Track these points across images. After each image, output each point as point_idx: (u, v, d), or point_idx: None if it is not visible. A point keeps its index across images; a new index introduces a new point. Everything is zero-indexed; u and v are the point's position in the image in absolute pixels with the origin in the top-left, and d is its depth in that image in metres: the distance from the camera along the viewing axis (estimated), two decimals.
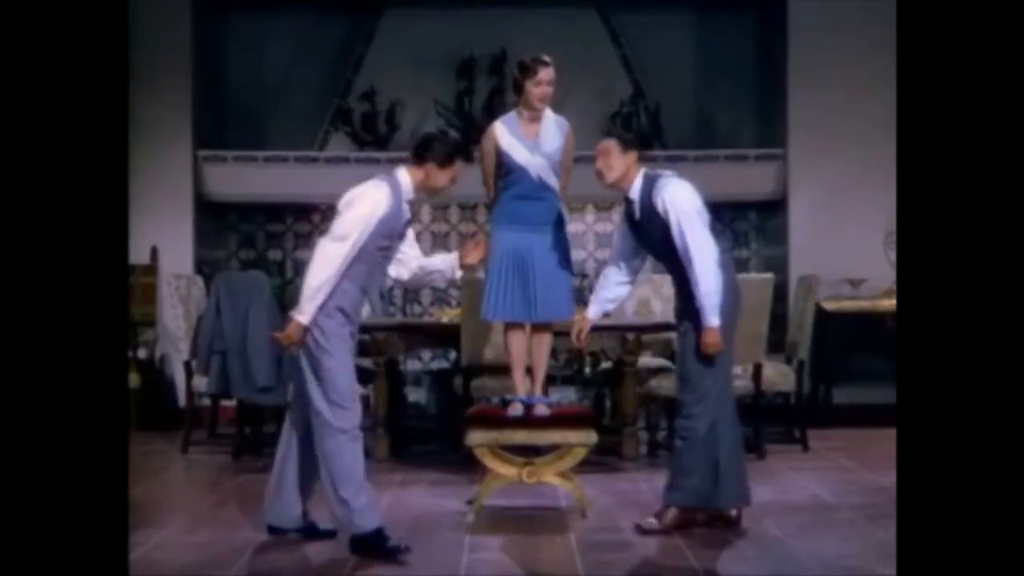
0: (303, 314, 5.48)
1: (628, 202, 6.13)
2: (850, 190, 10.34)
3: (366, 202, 5.59)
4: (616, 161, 6.04)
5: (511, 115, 6.53)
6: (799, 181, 10.54)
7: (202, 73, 10.78)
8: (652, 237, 6.07)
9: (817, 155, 10.48)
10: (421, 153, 5.76)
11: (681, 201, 5.96)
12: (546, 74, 6.35)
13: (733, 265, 6.49)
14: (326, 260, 5.49)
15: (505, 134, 6.43)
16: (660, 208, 5.97)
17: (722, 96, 11.42)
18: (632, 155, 6.07)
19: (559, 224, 6.51)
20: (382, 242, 5.65)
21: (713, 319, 5.88)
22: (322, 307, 5.49)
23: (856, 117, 10.30)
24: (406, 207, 5.76)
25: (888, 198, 9.90)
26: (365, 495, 5.58)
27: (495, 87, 10.81)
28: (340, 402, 5.57)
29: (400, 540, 5.60)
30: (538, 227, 6.40)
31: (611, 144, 6.09)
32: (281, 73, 11.43)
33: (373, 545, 5.53)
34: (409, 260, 5.99)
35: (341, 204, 5.64)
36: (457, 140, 6.18)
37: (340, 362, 5.58)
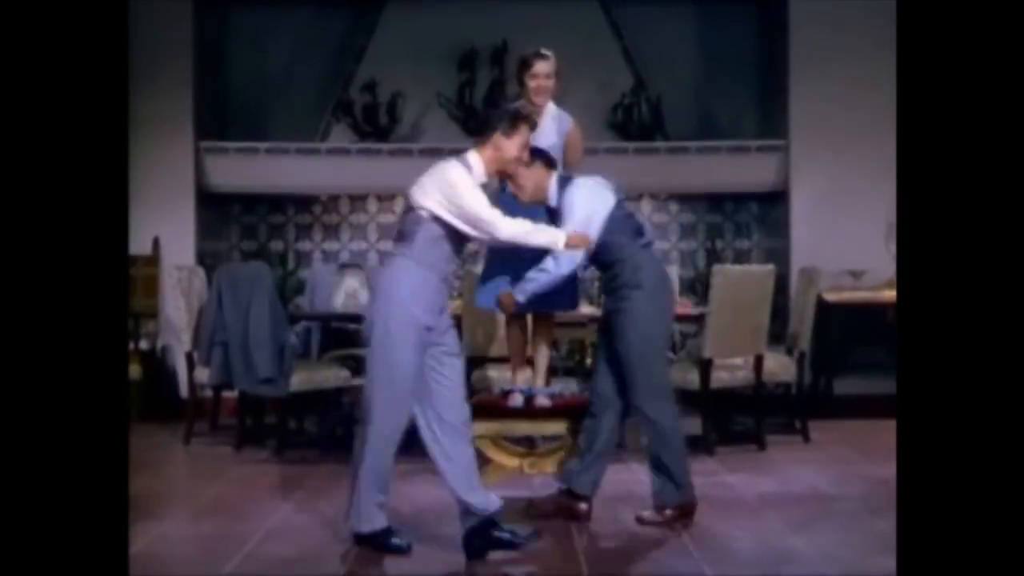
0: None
1: (550, 212, 6.09)
2: (851, 182, 10.34)
3: (469, 184, 5.47)
4: (524, 180, 6.00)
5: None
6: (800, 173, 10.53)
7: (203, 64, 10.78)
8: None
9: (818, 147, 10.47)
10: (484, 129, 5.60)
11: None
12: (542, 67, 6.33)
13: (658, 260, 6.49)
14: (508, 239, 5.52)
15: None
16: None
17: (723, 88, 11.41)
18: (538, 167, 6.01)
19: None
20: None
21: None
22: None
23: (857, 108, 10.29)
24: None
25: (889, 190, 9.87)
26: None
27: (496, 79, 10.80)
28: None
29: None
30: (536, 220, 6.38)
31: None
32: (282, 65, 11.43)
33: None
34: None
35: (430, 191, 5.46)
36: (517, 106, 5.98)
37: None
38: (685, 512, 6.06)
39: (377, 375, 5.48)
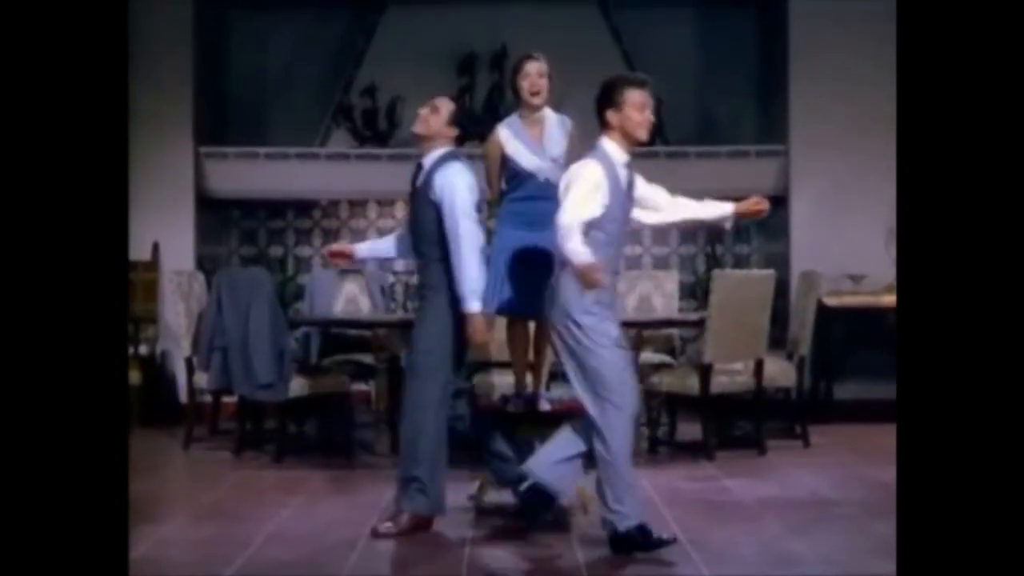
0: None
1: (418, 167, 6.07)
2: (851, 186, 10.33)
3: (586, 178, 5.46)
4: (435, 120, 6.02)
5: (513, 117, 6.50)
6: (800, 177, 10.53)
7: (203, 69, 10.78)
8: (419, 213, 6.00)
9: (818, 151, 10.47)
10: (598, 110, 5.59)
11: (460, 189, 5.86)
12: (533, 67, 6.34)
13: None
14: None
15: (510, 139, 6.40)
16: (436, 188, 5.90)
17: (723, 92, 11.41)
18: (453, 129, 6.01)
19: None
20: (616, 219, 5.52)
21: (474, 304, 5.81)
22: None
23: (858, 113, 10.29)
24: (623, 173, 5.60)
25: (889, 194, 9.87)
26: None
27: (496, 83, 10.80)
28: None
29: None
30: (544, 227, 6.37)
31: (447, 104, 6.09)
32: (282, 69, 11.43)
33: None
34: (666, 205, 5.92)
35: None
36: (613, 75, 5.87)
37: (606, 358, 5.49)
38: (422, 524, 5.96)
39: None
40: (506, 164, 6.40)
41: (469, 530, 6.04)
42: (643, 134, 5.62)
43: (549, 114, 6.41)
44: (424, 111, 6.07)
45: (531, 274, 6.30)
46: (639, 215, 5.82)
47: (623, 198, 5.60)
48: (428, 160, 6.03)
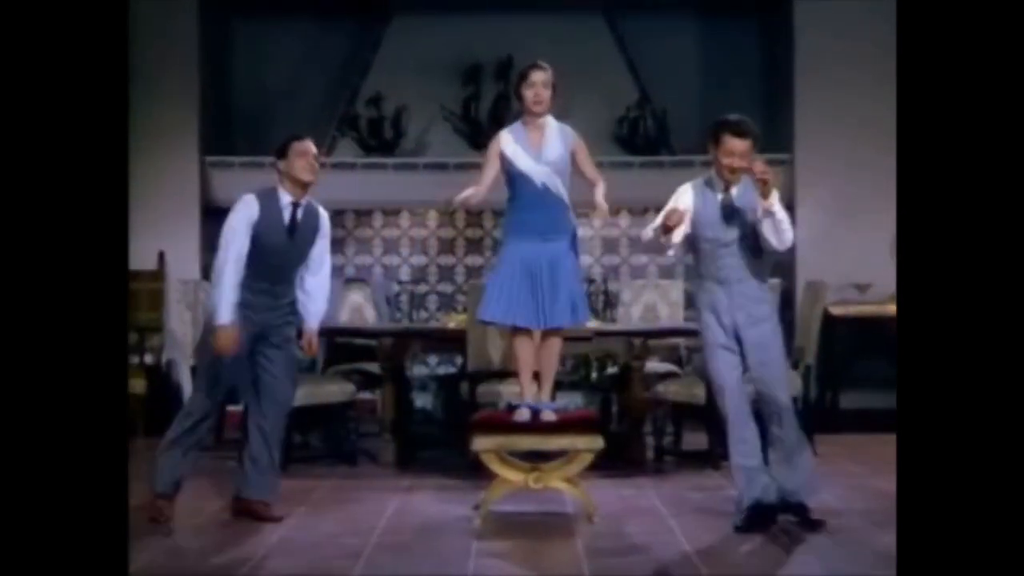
0: None
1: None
2: (856, 195, 10.33)
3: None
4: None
5: (517, 124, 6.53)
6: (806, 186, 10.53)
7: (208, 79, 10.80)
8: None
9: (824, 160, 10.47)
10: (709, 141, 6.34)
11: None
12: (538, 77, 6.38)
13: None
14: None
15: (510, 142, 6.44)
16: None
17: (728, 101, 11.32)
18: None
19: (569, 233, 6.49)
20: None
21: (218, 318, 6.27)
22: None
23: (863, 122, 10.29)
24: (715, 198, 6.30)
25: (894, 203, 9.90)
26: None
27: (501, 93, 10.82)
28: None
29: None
30: (547, 236, 6.37)
31: None
32: (288, 79, 11.46)
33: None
34: None
35: None
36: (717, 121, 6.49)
37: None
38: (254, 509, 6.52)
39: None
40: (505, 169, 6.42)
41: (473, 540, 6.02)
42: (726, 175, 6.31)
43: (551, 122, 6.45)
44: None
45: (534, 285, 6.31)
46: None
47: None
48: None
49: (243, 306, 6.33)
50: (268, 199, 6.58)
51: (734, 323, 6.21)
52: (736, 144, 6.23)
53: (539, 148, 6.37)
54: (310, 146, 6.76)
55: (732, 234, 6.22)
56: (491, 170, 6.46)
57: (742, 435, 6.21)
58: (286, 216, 6.58)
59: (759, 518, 6.10)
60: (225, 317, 6.23)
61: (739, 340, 6.21)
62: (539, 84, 6.38)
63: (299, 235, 6.61)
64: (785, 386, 6.31)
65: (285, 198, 6.63)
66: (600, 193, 6.41)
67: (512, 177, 6.42)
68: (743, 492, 6.15)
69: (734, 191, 6.27)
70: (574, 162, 6.45)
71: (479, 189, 6.37)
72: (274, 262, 6.50)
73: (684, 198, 6.31)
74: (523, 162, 6.37)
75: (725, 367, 6.23)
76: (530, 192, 6.38)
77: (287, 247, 6.55)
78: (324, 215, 6.82)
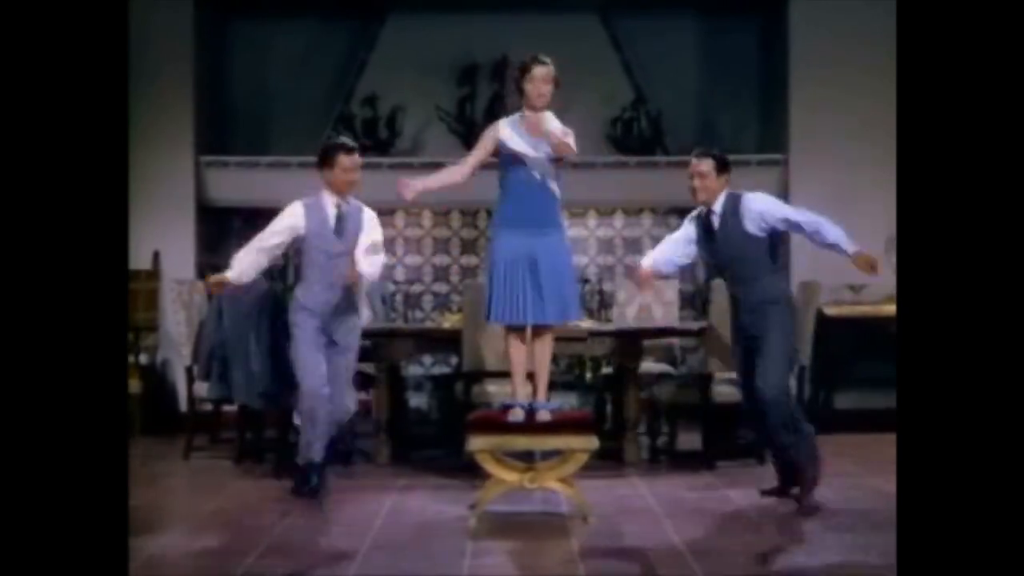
0: None
1: None
2: (851, 195, 10.34)
3: None
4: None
5: (515, 116, 6.53)
6: (800, 186, 10.54)
7: (204, 78, 10.80)
8: None
9: (818, 160, 10.49)
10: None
11: None
12: (541, 72, 6.38)
13: None
14: None
15: (507, 128, 6.45)
16: None
17: (723, 101, 11.43)
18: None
19: (559, 227, 6.50)
20: None
21: None
22: None
23: (857, 122, 10.31)
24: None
25: (889, 203, 9.89)
26: None
27: (496, 93, 10.83)
28: None
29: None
30: (539, 229, 6.37)
31: None
32: (283, 78, 11.46)
33: None
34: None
35: None
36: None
37: None
38: None
39: None
40: (501, 155, 6.42)
41: (468, 540, 6.03)
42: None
43: (550, 116, 6.42)
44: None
45: (530, 280, 6.31)
46: None
47: None
48: None
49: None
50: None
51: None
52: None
53: (537, 138, 6.36)
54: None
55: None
56: (480, 153, 6.46)
57: None
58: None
59: None
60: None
61: None
62: (539, 79, 6.38)
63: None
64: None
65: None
66: (557, 132, 6.29)
67: (507, 166, 6.41)
68: None
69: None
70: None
71: (462, 170, 6.44)
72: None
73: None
74: (520, 145, 6.36)
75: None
76: (524, 180, 6.37)
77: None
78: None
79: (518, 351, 6.50)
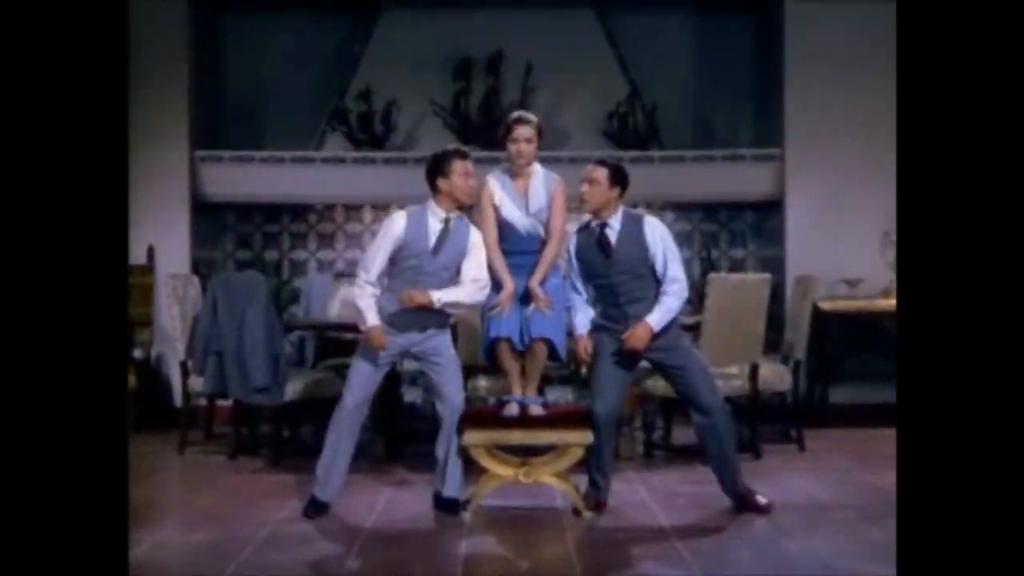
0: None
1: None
2: (847, 190, 10.36)
3: None
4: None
5: (503, 171, 6.68)
6: (796, 181, 10.55)
7: (199, 73, 10.78)
8: None
9: (814, 155, 10.49)
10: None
11: None
12: (522, 132, 6.53)
13: None
14: None
15: (498, 189, 6.60)
16: None
17: (719, 97, 11.43)
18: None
19: (554, 268, 6.59)
20: None
21: None
22: None
23: (853, 117, 10.32)
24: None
25: (885, 198, 9.94)
26: None
27: (491, 88, 10.81)
28: None
29: None
30: (518, 275, 6.49)
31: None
32: (278, 73, 11.45)
33: None
34: None
35: None
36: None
37: None
38: None
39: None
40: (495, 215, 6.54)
41: (465, 533, 6.04)
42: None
43: (537, 169, 6.63)
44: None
45: (519, 312, 6.47)
46: None
47: None
48: None
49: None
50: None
51: None
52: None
53: (525, 198, 6.54)
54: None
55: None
56: (491, 220, 6.55)
57: None
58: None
59: None
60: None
61: None
62: (522, 140, 6.53)
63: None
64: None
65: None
66: (548, 257, 6.52)
67: (499, 223, 6.53)
68: None
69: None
70: (547, 206, 6.56)
71: (500, 259, 6.52)
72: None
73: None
74: (507, 211, 6.55)
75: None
76: (516, 238, 6.58)
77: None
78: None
79: (507, 355, 6.52)
